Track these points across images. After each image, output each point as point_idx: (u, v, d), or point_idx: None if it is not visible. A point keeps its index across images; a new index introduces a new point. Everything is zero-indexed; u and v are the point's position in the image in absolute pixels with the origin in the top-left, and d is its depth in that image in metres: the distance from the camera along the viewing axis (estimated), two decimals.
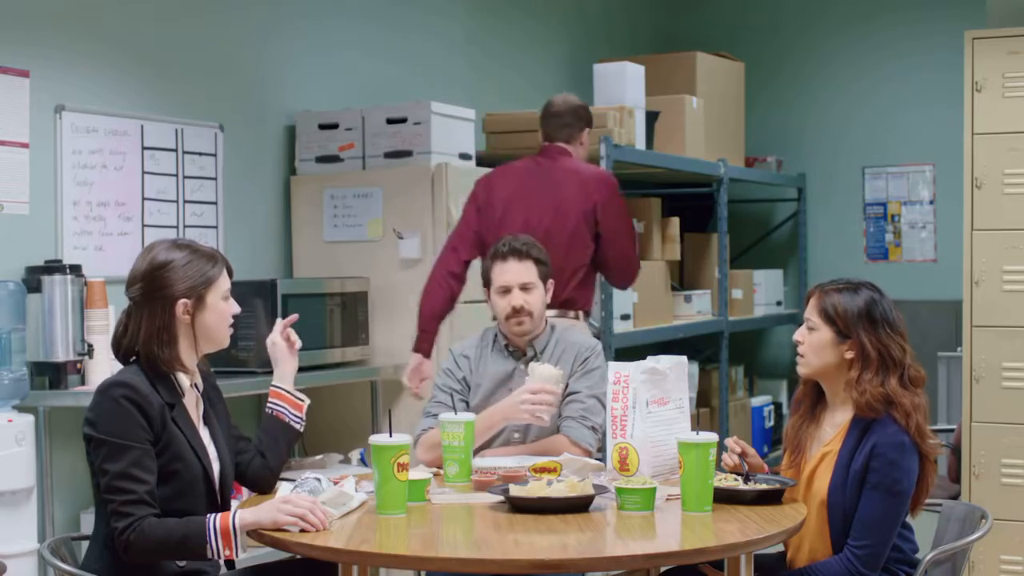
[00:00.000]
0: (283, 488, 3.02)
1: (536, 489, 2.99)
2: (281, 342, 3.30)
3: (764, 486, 3.12)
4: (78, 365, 4.18)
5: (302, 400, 3.30)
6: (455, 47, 6.23)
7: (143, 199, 4.69)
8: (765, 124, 7.61)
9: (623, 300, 5.84)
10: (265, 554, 3.86)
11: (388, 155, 5.13)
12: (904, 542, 3.16)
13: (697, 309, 6.64)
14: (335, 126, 5.22)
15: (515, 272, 3.77)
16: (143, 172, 4.68)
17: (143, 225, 4.68)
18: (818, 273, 7.25)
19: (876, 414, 3.08)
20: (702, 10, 7.97)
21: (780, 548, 3.25)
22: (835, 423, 3.18)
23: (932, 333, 6.57)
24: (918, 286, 7.12)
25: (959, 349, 5.44)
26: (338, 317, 4.91)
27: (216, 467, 3.05)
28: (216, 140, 4.99)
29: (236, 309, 3.08)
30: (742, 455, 3.26)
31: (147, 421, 2.88)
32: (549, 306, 3.98)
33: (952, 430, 5.23)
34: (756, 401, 7.28)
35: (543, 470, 3.27)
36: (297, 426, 3.29)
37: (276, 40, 5.27)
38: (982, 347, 5.00)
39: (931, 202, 7.37)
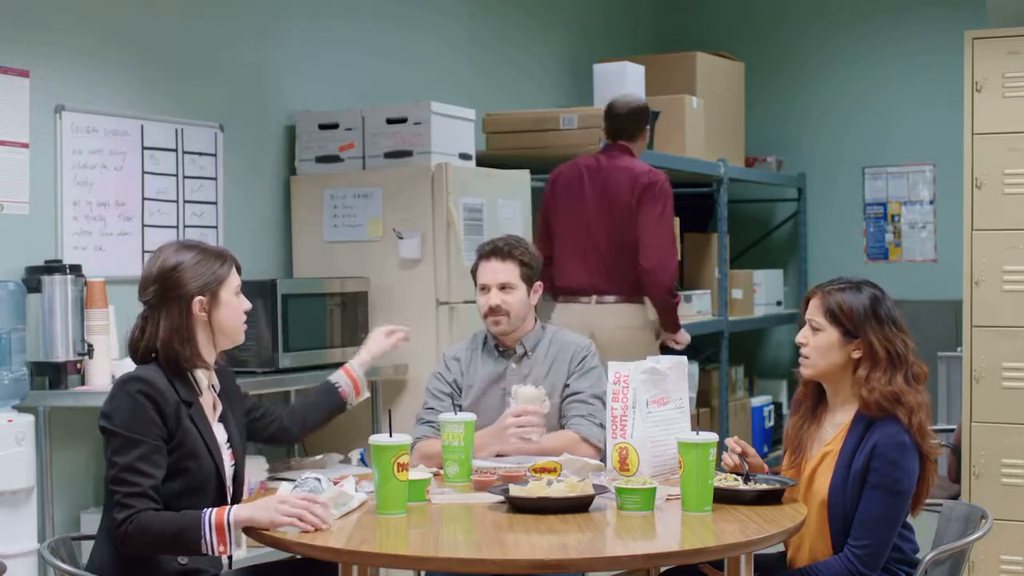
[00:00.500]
0: (283, 488, 3.03)
1: (536, 489, 3.00)
2: (383, 332, 3.68)
3: (764, 486, 3.12)
4: (78, 365, 4.18)
5: (362, 390, 3.58)
6: (455, 47, 6.23)
7: (143, 199, 4.69)
8: (765, 124, 7.61)
9: None
10: (265, 554, 3.86)
11: (388, 155, 5.13)
12: (904, 542, 3.16)
13: (697, 309, 6.63)
14: (335, 126, 5.22)
15: (495, 271, 3.81)
16: (143, 172, 4.68)
17: (143, 225, 4.68)
18: (818, 273, 7.25)
19: (883, 412, 3.07)
20: (702, 10, 7.96)
21: (780, 548, 3.25)
22: (836, 423, 3.18)
23: (932, 333, 6.56)
24: (918, 286, 7.11)
25: (959, 349, 5.44)
26: (338, 317, 4.91)
27: (228, 467, 3.08)
28: (216, 140, 4.99)
29: (248, 305, 3.15)
30: (742, 455, 3.26)
31: (161, 417, 2.92)
32: (608, 293, 5.01)
33: (952, 430, 5.23)
34: (756, 401, 7.28)
35: (543, 470, 3.27)
36: (345, 405, 3.56)
37: (276, 40, 5.27)
38: (982, 347, 5.00)
39: (931, 202, 7.36)
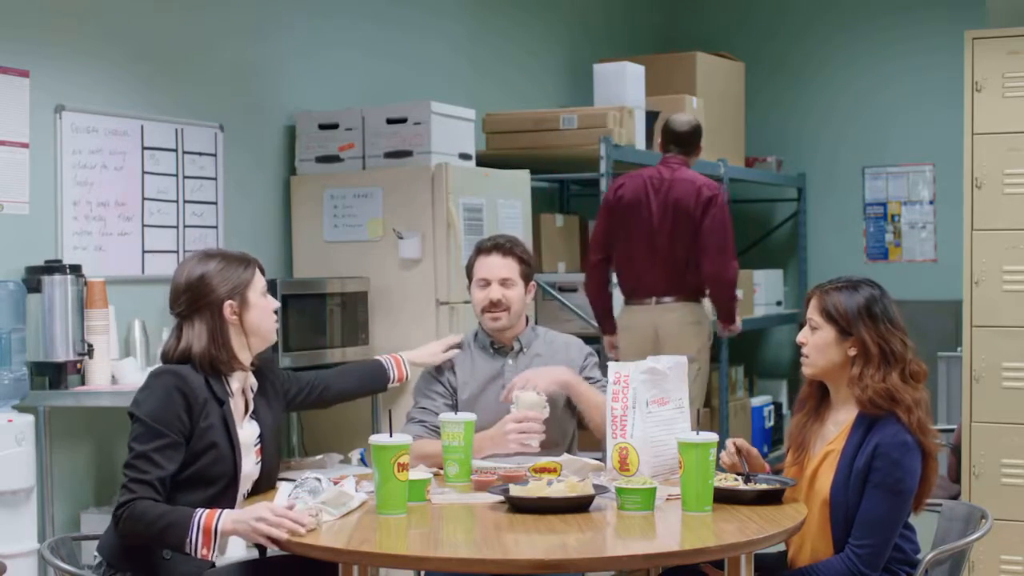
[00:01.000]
0: (283, 488, 3.03)
1: (536, 489, 3.00)
2: (441, 346, 3.85)
3: (764, 486, 3.12)
4: (78, 365, 4.18)
5: (406, 376, 3.81)
6: (455, 47, 6.23)
7: (143, 199, 4.69)
8: (765, 124, 7.61)
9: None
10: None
11: (388, 155, 5.13)
12: (906, 542, 3.16)
13: None
14: (335, 126, 5.22)
15: (497, 267, 3.81)
16: (143, 172, 4.68)
17: (143, 225, 4.68)
18: (818, 273, 7.24)
19: (879, 410, 3.08)
20: (702, 10, 7.97)
21: (781, 547, 3.25)
22: (839, 422, 3.19)
23: (932, 333, 6.56)
24: (918, 286, 7.11)
25: (959, 349, 5.44)
26: (338, 317, 4.92)
27: (253, 466, 3.14)
28: (216, 140, 4.99)
29: (276, 304, 3.23)
30: (741, 453, 3.27)
31: (189, 414, 2.99)
32: (667, 295, 5.48)
33: (952, 430, 5.22)
34: (756, 401, 7.26)
35: (543, 470, 3.28)
36: (387, 383, 3.81)
37: (276, 40, 5.27)
38: (982, 347, 5.00)
39: (931, 202, 7.37)
